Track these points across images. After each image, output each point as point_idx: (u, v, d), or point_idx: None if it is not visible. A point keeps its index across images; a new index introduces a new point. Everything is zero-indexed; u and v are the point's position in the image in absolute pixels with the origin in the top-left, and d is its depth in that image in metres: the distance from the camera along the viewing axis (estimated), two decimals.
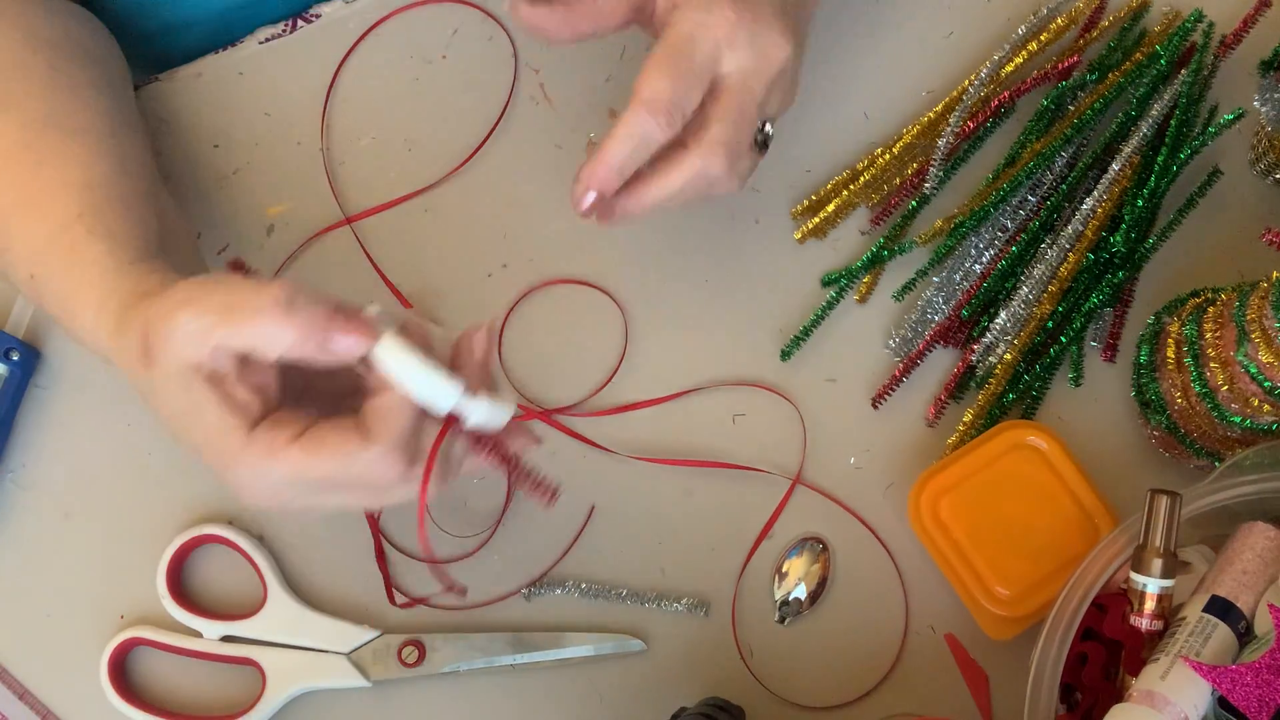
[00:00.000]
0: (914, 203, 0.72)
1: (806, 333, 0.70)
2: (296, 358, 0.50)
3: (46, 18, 0.64)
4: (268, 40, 0.75)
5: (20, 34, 0.62)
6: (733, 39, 0.57)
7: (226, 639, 0.67)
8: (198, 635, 0.67)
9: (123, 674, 0.68)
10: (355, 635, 0.67)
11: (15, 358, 0.69)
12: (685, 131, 0.58)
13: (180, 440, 0.53)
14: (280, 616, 0.67)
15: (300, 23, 0.76)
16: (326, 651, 0.67)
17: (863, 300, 0.71)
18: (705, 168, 0.58)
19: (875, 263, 0.71)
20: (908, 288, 0.71)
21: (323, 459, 0.50)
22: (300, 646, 0.67)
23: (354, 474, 0.50)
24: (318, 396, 0.54)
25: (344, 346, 0.50)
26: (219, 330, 0.49)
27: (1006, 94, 0.72)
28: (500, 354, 0.71)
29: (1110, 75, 0.72)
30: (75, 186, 0.58)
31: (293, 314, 0.49)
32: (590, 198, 0.58)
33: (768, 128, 0.62)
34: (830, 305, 0.70)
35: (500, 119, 0.74)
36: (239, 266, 0.53)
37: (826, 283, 0.71)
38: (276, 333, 0.49)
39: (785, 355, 0.70)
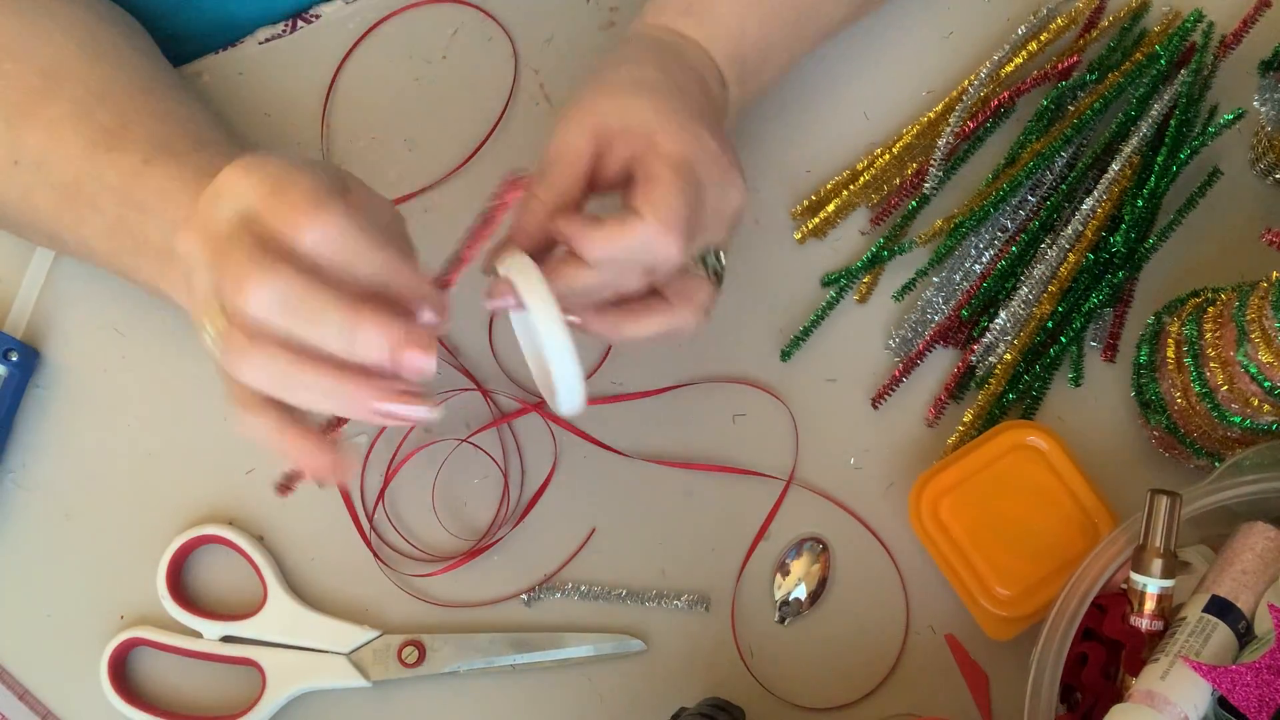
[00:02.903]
0: (914, 203, 0.72)
1: (806, 333, 0.70)
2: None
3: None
4: (268, 40, 0.75)
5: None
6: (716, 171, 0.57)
7: (226, 639, 0.67)
8: (198, 635, 0.67)
9: (123, 674, 0.68)
10: (355, 635, 0.67)
11: (15, 358, 0.69)
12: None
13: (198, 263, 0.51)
14: (280, 616, 0.67)
15: (300, 23, 0.76)
16: (326, 651, 0.67)
17: (863, 300, 0.71)
18: (683, 324, 0.58)
19: (875, 263, 0.71)
20: (908, 288, 0.71)
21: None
22: (300, 646, 0.67)
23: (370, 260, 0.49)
24: None
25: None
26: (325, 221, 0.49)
27: (1006, 94, 0.72)
28: (494, 350, 0.71)
29: (1110, 75, 0.72)
30: (195, 119, 0.60)
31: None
32: (506, 303, 0.55)
33: (721, 258, 0.60)
34: (830, 305, 0.70)
35: (500, 119, 0.74)
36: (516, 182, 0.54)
37: (826, 283, 0.71)
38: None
39: (785, 355, 0.70)
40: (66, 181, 0.59)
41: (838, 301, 0.71)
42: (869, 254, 0.71)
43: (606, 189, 0.58)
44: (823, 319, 0.70)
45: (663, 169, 0.54)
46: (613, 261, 0.55)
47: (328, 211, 0.48)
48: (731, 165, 0.58)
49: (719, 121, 0.60)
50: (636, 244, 0.54)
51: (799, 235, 0.72)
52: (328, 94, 0.75)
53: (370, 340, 0.47)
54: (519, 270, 0.54)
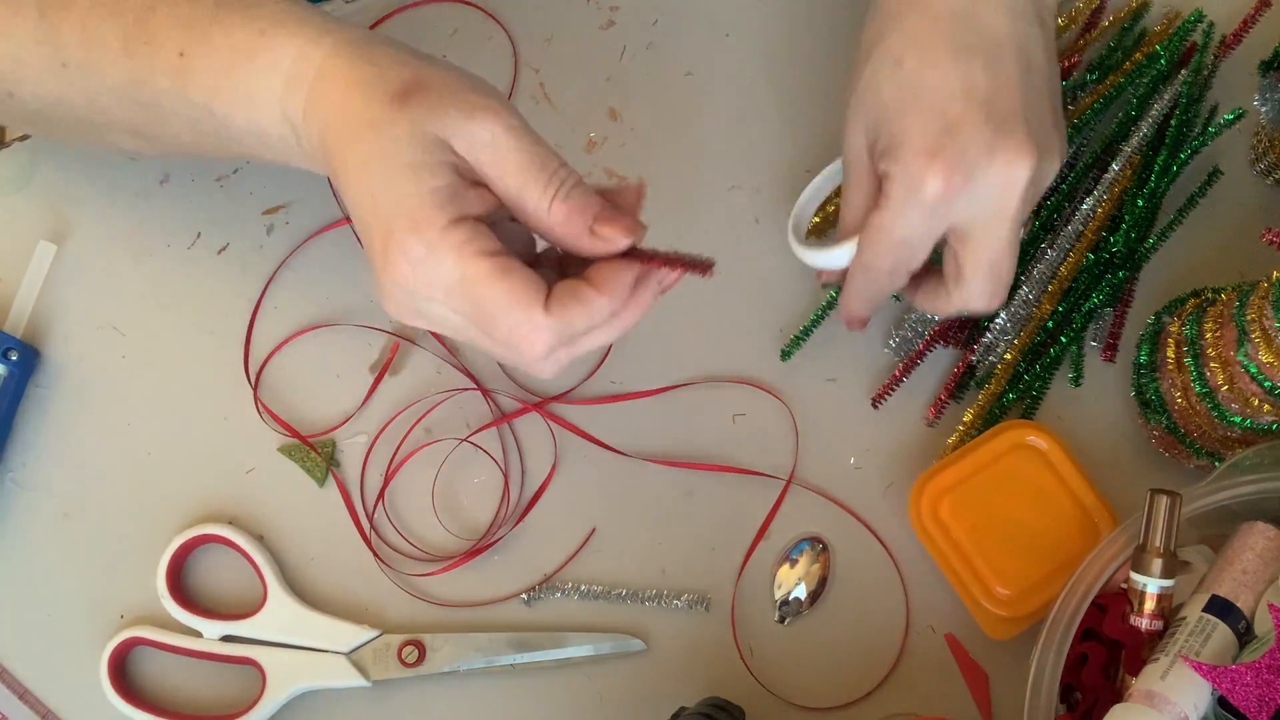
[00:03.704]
0: None
1: (806, 333, 0.70)
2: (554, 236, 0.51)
3: None
4: None
5: None
6: (951, 195, 0.54)
7: (226, 639, 0.67)
8: (198, 635, 0.67)
9: (123, 674, 0.68)
10: (355, 635, 0.67)
11: (15, 358, 0.69)
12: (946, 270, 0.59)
13: (357, 185, 0.50)
14: (280, 616, 0.67)
15: None
16: (326, 651, 0.67)
17: None
18: (965, 305, 0.59)
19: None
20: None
21: (496, 289, 0.49)
22: (300, 646, 0.67)
23: (509, 321, 0.49)
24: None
25: (609, 235, 0.50)
26: (503, 169, 0.49)
27: None
28: None
29: (1110, 75, 0.72)
30: None
31: (568, 197, 0.50)
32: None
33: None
34: (830, 305, 0.70)
35: None
36: None
37: (827, 283, 0.71)
38: (546, 206, 0.50)
39: (785, 355, 0.70)
40: (118, 84, 0.57)
41: (837, 301, 0.71)
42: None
43: None
44: (823, 319, 0.70)
45: (980, 268, 0.57)
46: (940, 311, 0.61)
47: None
48: (1057, 154, 0.56)
49: (1046, 57, 0.57)
50: (959, 308, 0.59)
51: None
52: None
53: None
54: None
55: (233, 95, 0.54)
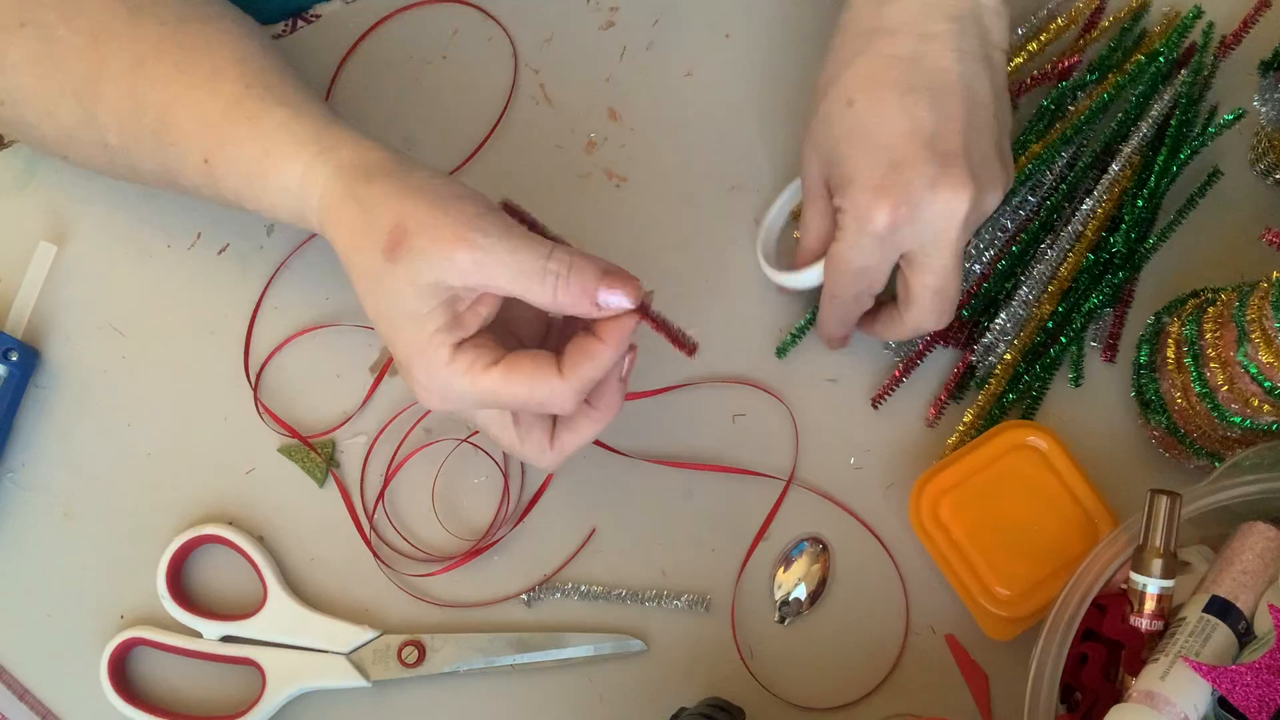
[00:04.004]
0: None
1: (802, 331, 0.70)
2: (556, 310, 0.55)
3: None
4: None
5: None
6: (897, 226, 0.58)
7: (226, 639, 0.67)
8: (198, 635, 0.67)
9: (123, 674, 0.68)
10: (355, 635, 0.67)
11: (15, 358, 0.69)
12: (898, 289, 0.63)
13: (377, 325, 0.56)
14: (280, 616, 0.67)
15: (300, 23, 0.76)
16: (326, 651, 0.67)
17: None
18: (919, 326, 0.63)
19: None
20: None
21: (512, 386, 0.54)
22: (300, 646, 0.67)
23: (535, 399, 0.54)
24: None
25: (614, 303, 0.54)
26: (496, 283, 0.53)
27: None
28: None
29: (1110, 75, 0.72)
30: (232, 63, 0.60)
31: (568, 284, 0.53)
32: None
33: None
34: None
35: (500, 119, 0.74)
36: (513, 210, 0.57)
37: (780, 353, 0.71)
38: (551, 299, 0.54)
39: (781, 352, 0.70)
40: (157, 169, 0.62)
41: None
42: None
43: None
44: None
45: (925, 291, 0.61)
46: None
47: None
48: (999, 185, 0.60)
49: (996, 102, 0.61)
50: (913, 329, 0.64)
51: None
52: (328, 94, 0.75)
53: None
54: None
55: (257, 202, 0.60)
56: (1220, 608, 0.56)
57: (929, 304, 0.62)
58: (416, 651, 0.67)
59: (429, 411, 0.70)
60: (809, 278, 0.65)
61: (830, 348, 0.69)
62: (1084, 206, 0.70)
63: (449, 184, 0.55)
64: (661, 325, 0.55)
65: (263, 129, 0.58)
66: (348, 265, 0.56)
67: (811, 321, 0.70)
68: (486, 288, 0.54)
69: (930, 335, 0.69)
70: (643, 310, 0.55)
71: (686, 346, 0.56)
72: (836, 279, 0.62)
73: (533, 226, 0.56)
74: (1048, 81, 0.72)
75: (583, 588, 0.68)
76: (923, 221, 0.58)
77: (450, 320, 0.54)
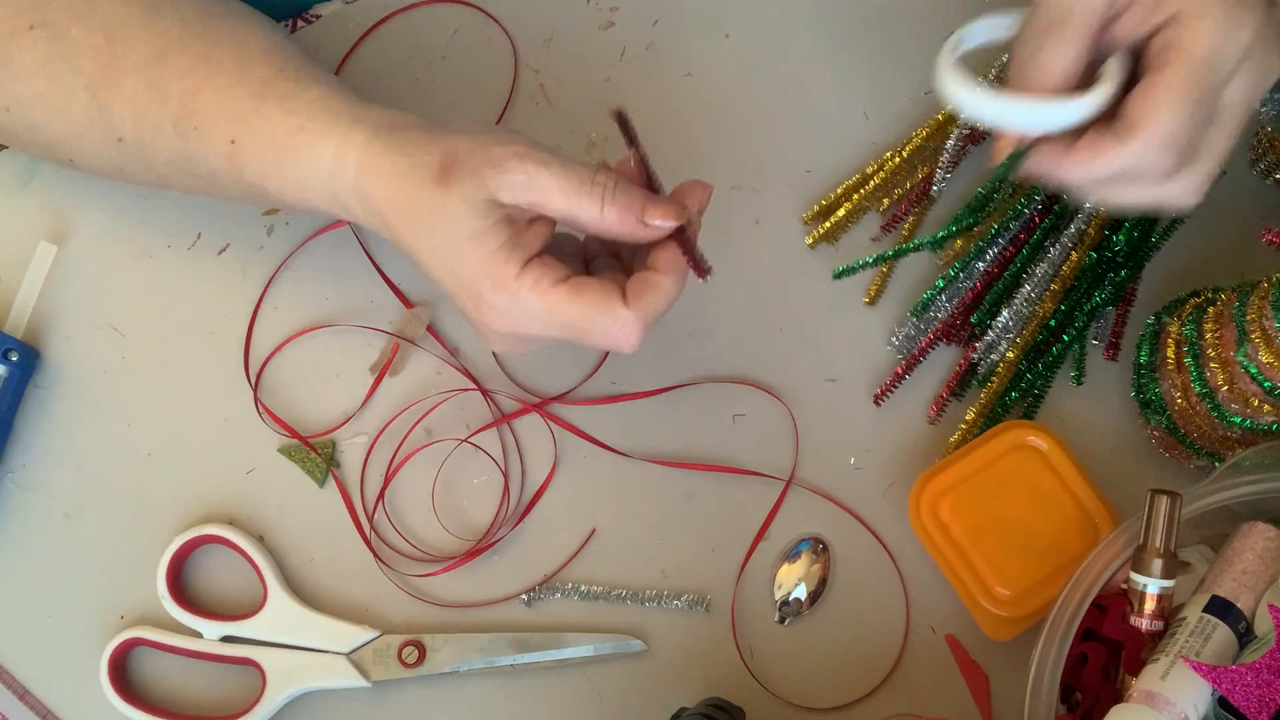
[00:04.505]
0: (923, 211, 0.72)
1: (865, 266, 0.69)
2: (606, 232, 0.57)
3: None
4: None
5: None
6: (1242, 65, 0.51)
7: (226, 639, 0.67)
8: (198, 635, 0.67)
9: (123, 674, 0.68)
10: (355, 635, 0.67)
11: (15, 358, 0.69)
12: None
13: (436, 263, 0.57)
14: (280, 616, 0.67)
15: (300, 23, 0.76)
16: (326, 651, 0.67)
17: (872, 303, 0.71)
18: (1141, 157, 0.52)
19: (899, 255, 0.71)
20: (925, 305, 0.70)
21: (579, 306, 0.55)
22: (300, 646, 0.67)
23: (599, 326, 0.56)
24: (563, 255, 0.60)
25: (660, 224, 0.56)
26: (547, 198, 0.55)
27: None
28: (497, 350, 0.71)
29: None
30: (259, 53, 0.61)
31: (615, 201, 0.55)
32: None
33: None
34: (883, 256, 0.70)
35: (500, 119, 0.74)
36: (623, 120, 0.59)
37: (839, 275, 0.70)
38: (599, 215, 0.55)
39: (840, 274, 0.70)
40: (174, 159, 0.62)
41: (888, 257, 0.70)
42: (891, 251, 0.70)
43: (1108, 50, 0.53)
44: (883, 259, 0.70)
45: (1176, 73, 0.50)
46: (1095, 182, 0.54)
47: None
48: (1271, 44, 0.52)
49: None
50: (1120, 166, 0.52)
51: (810, 240, 0.71)
52: None
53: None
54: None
55: (282, 180, 0.60)
56: (1220, 608, 0.56)
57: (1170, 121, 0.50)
58: (416, 651, 0.67)
59: (429, 412, 0.70)
60: (1072, 111, 0.50)
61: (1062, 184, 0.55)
62: (1086, 205, 0.70)
63: (491, 127, 0.57)
64: (689, 248, 0.57)
65: (296, 105, 0.58)
66: (395, 215, 0.57)
67: (881, 260, 0.69)
68: (537, 206, 0.55)
69: (932, 333, 0.69)
70: (681, 238, 0.57)
71: (701, 269, 0.57)
72: (1186, 102, 0.50)
73: (633, 140, 0.59)
74: None
75: (583, 588, 0.68)
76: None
77: (512, 236, 0.55)
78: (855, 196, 0.71)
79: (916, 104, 0.74)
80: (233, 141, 0.59)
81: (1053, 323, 0.70)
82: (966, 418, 0.69)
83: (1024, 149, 0.53)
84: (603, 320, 0.55)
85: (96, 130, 0.62)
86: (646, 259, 0.58)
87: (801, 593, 0.67)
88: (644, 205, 0.56)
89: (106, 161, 0.64)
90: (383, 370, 0.71)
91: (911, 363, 0.70)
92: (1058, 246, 0.69)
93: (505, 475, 0.69)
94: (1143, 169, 0.52)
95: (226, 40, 0.61)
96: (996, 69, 0.72)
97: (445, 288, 0.58)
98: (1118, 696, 0.56)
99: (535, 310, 0.56)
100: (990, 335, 0.69)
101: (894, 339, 0.70)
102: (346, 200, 0.58)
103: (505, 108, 0.74)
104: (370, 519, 0.69)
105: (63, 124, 0.62)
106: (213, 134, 0.60)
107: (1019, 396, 0.69)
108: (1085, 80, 0.53)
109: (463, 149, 0.55)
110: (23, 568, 0.69)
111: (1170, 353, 0.65)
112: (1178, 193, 0.54)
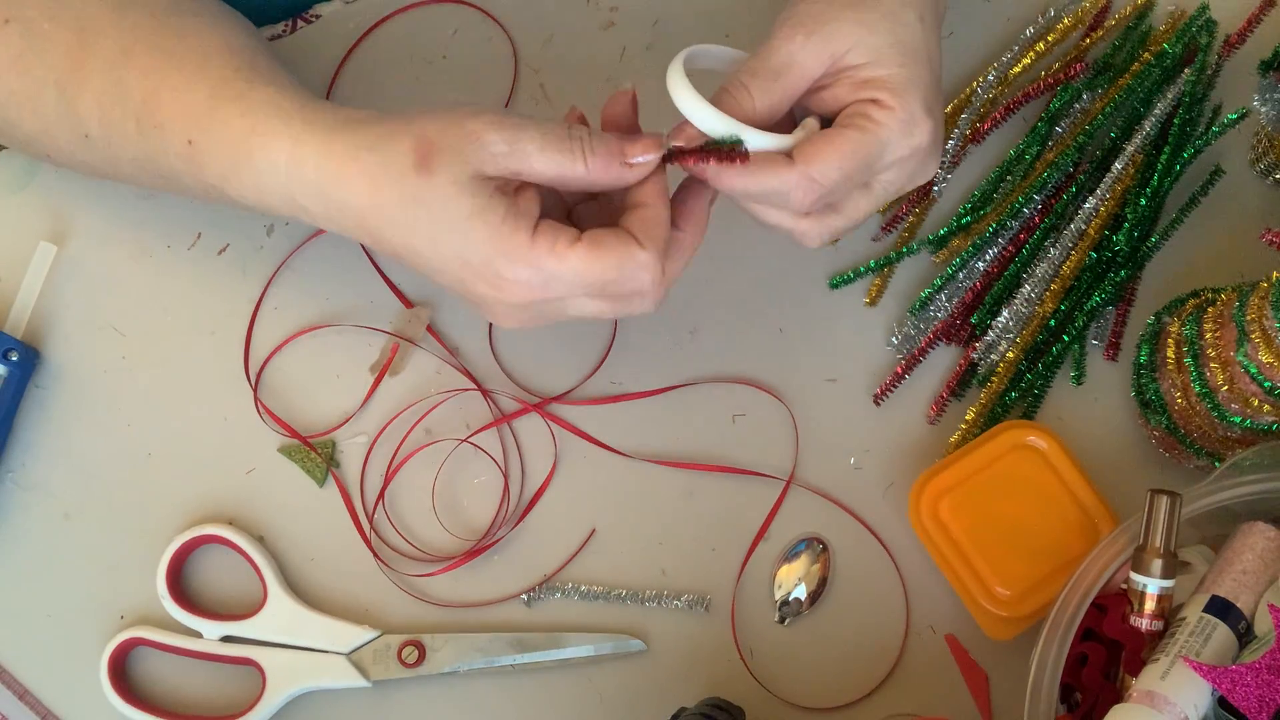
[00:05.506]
0: (925, 212, 0.72)
1: (861, 274, 0.71)
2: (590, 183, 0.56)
3: None
4: (268, 40, 0.75)
5: None
6: (906, 160, 0.58)
7: (226, 639, 0.67)
8: (198, 635, 0.67)
9: (123, 674, 0.68)
10: (355, 635, 0.67)
11: (15, 358, 0.69)
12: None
13: (436, 254, 0.55)
14: (280, 616, 0.67)
15: (300, 23, 0.76)
16: (326, 651, 0.67)
17: (872, 303, 0.71)
18: (783, 186, 0.57)
19: (891, 261, 0.71)
20: (924, 304, 0.70)
21: (603, 260, 0.54)
22: (300, 646, 0.67)
23: (625, 275, 0.54)
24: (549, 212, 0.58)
25: (642, 159, 0.55)
26: (530, 163, 0.54)
27: (1016, 99, 0.72)
28: (494, 350, 0.71)
29: (1120, 79, 0.72)
30: (219, 51, 0.60)
31: (595, 151, 0.54)
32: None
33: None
34: (886, 262, 0.71)
35: None
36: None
37: (835, 284, 0.71)
38: (584, 169, 0.54)
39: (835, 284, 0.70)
40: (138, 157, 0.61)
41: (899, 259, 0.71)
42: (884, 258, 0.70)
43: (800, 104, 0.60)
44: (880, 266, 0.71)
45: (852, 138, 0.56)
46: (745, 194, 0.58)
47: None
48: (934, 156, 0.59)
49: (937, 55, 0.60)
50: (771, 188, 0.56)
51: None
52: (328, 94, 0.75)
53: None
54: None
55: (240, 184, 0.58)
56: (1220, 608, 0.56)
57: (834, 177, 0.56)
58: (416, 651, 0.67)
59: (429, 412, 0.70)
60: (762, 140, 0.56)
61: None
62: (1087, 205, 0.70)
63: (450, 104, 0.55)
64: (699, 155, 0.55)
65: (248, 105, 0.57)
66: (377, 215, 0.55)
67: (877, 268, 0.70)
68: (521, 173, 0.54)
69: (932, 333, 0.69)
70: (676, 155, 0.55)
71: (737, 155, 0.55)
72: (844, 163, 0.56)
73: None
74: (1050, 90, 0.72)
75: (583, 588, 0.68)
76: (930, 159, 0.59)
77: (510, 206, 0.54)
78: None
79: None
80: (190, 142, 0.59)
81: (1053, 323, 0.70)
82: (966, 418, 0.69)
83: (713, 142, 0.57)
84: (628, 267, 0.54)
85: (65, 126, 0.61)
86: (629, 195, 0.56)
87: (801, 593, 0.67)
88: (621, 146, 0.55)
89: (78, 159, 0.63)
90: (383, 370, 0.71)
91: (911, 362, 0.70)
92: (1058, 246, 0.69)
93: (505, 475, 0.69)
94: (788, 199, 0.56)
95: (190, 37, 0.60)
96: None
97: (448, 278, 0.56)
98: (1118, 696, 0.56)
99: (560, 275, 0.54)
100: (990, 335, 0.69)
101: (894, 339, 0.70)
102: (305, 203, 0.57)
103: (505, 108, 0.74)
104: (370, 519, 0.69)
105: (34, 120, 0.62)
106: (172, 134, 0.59)
107: (1019, 396, 0.69)
108: (784, 124, 0.59)
109: (434, 131, 0.53)
110: (23, 568, 0.69)
111: (1170, 353, 0.65)
112: (807, 231, 0.59)
